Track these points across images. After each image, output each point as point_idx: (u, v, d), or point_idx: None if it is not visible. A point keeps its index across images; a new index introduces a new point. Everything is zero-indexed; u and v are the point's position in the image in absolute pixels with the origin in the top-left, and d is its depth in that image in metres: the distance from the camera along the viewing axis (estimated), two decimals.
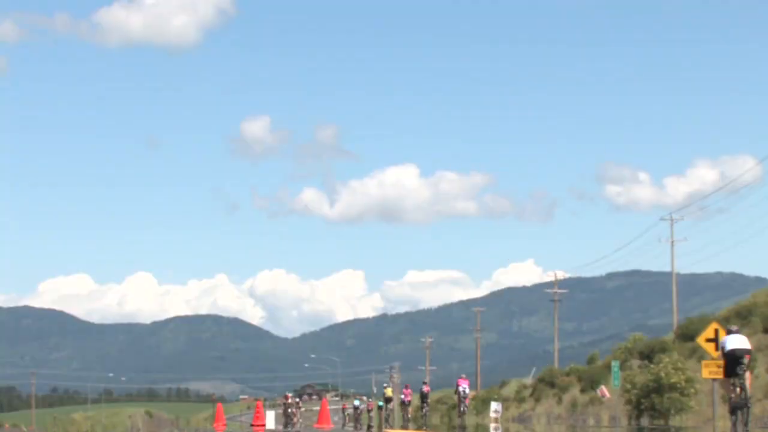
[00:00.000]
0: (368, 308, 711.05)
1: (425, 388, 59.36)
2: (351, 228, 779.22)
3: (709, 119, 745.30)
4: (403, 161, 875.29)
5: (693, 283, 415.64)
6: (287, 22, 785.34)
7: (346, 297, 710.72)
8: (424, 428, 33.27)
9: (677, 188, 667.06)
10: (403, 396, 65.51)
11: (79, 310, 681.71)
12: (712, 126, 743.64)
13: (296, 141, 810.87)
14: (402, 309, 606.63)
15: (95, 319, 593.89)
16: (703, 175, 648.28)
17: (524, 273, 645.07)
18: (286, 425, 51.81)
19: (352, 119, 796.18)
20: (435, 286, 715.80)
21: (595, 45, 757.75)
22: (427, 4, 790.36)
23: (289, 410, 55.64)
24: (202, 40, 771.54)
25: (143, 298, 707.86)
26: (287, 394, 59.20)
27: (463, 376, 43.45)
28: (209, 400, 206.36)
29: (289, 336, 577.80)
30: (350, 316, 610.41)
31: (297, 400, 59.99)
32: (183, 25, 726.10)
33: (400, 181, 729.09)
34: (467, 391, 43.21)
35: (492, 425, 48.84)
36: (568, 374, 76.21)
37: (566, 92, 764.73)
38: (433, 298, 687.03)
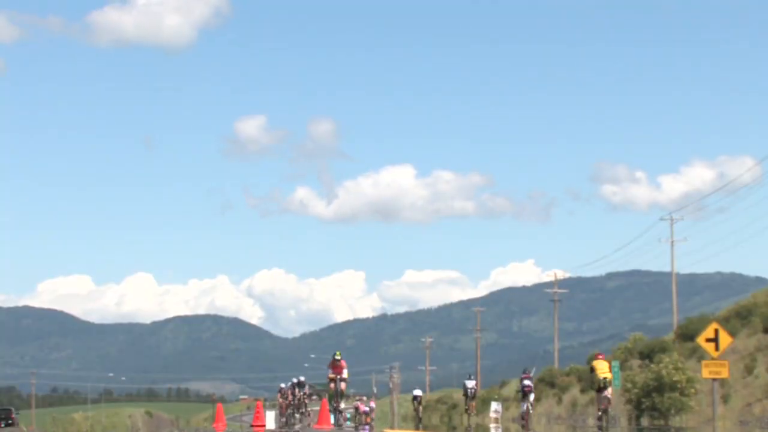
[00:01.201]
0: (366, 308, 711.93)
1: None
2: (348, 228, 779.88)
3: (706, 119, 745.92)
4: (400, 161, 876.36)
5: (693, 283, 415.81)
6: (283, 21, 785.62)
7: (344, 297, 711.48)
8: None
9: (675, 188, 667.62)
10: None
11: (78, 310, 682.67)
12: (709, 126, 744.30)
13: (293, 141, 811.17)
14: (400, 309, 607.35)
15: (95, 319, 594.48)
16: (701, 175, 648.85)
17: (523, 273, 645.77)
18: (287, 424, 42.51)
19: (349, 119, 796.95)
20: (433, 286, 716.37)
21: (593, 45, 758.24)
22: (425, 4, 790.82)
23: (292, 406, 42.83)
24: (198, 40, 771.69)
25: (143, 298, 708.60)
26: (301, 379, 43.75)
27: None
28: (209, 400, 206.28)
29: (289, 336, 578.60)
30: (348, 316, 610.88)
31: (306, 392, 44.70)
32: (178, 24, 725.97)
33: (398, 180, 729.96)
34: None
35: (492, 425, 48.80)
36: (568, 374, 76.22)
37: (562, 92, 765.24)
38: (431, 298, 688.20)
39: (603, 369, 33.04)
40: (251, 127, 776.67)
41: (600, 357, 33.98)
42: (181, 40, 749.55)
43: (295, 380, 44.51)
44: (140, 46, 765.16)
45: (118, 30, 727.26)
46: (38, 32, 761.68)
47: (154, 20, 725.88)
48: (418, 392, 55.50)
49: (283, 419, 45.01)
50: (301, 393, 43.43)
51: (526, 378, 35.03)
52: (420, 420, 53.95)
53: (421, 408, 55.61)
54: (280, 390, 47.01)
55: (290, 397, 43.93)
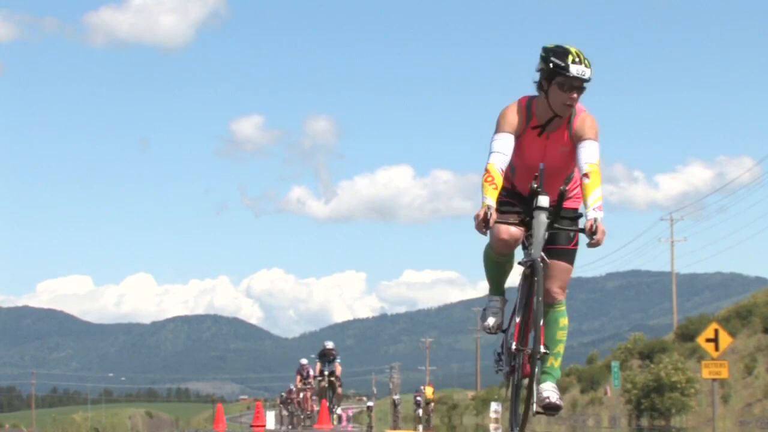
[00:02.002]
0: (365, 308, 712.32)
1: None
2: (347, 228, 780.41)
3: (706, 119, 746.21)
4: (398, 161, 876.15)
5: (693, 283, 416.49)
6: (280, 21, 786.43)
7: (343, 297, 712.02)
8: None
9: (675, 188, 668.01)
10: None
11: (78, 310, 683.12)
12: (709, 126, 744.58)
13: (290, 140, 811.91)
14: (397, 309, 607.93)
15: (95, 319, 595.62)
16: (701, 175, 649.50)
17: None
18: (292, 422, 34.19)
19: (347, 119, 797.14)
20: (431, 286, 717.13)
21: (592, 45, 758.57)
22: (423, 4, 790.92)
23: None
24: (195, 40, 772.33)
25: (143, 298, 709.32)
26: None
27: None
28: (209, 400, 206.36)
29: (289, 336, 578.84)
30: (347, 317, 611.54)
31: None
32: (175, 25, 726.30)
33: (396, 180, 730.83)
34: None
35: (492, 425, 48.84)
36: (568, 374, 76.21)
37: None
38: (429, 298, 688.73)
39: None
40: (248, 126, 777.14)
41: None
42: (177, 40, 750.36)
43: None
44: (137, 47, 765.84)
45: (114, 30, 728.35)
46: (35, 33, 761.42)
47: (150, 21, 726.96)
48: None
49: (286, 414, 36.13)
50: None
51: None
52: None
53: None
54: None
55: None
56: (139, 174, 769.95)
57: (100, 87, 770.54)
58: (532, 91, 6.51)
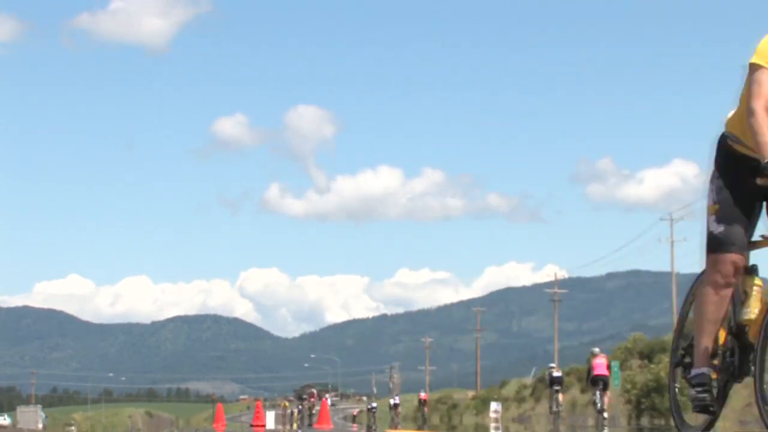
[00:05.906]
0: (361, 308, 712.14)
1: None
2: (340, 227, 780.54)
3: (703, 120, 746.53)
4: (389, 160, 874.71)
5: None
6: (265, 20, 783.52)
7: (338, 297, 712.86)
8: None
9: (673, 187, 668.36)
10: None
11: (78, 310, 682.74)
12: (703, 126, 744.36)
13: (281, 139, 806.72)
14: (392, 309, 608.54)
15: (95, 319, 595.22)
16: (701, 175, 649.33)
17: (517, 273, 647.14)
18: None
19: (339, 117, 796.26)
20: (425, 286, 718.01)
21: (592, 45, 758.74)
22: (415, 3, 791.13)
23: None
24: (181, 39, 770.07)
25: (143, 298, 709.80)
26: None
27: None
28: (209, 400, 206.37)
29: (289, 336, 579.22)
30: (344, 317, 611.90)
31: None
32: (158, 25, 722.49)
33: (387, 180, 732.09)
34: None
35: (492, 425, 48.87)
36: (567, 374, 76.07)
37: (555, 91, 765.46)
38: (423, 298, 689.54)
39: None
40: (233, 125, 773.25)
41: None
42: (159, 41, 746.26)
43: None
44: (126, 48, 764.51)
45: (95, 32, 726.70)
46: (17, 35, 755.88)
47: (132, 22, 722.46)
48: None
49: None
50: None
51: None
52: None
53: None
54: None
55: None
56: (130, 175, 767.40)
57: (104, 86, 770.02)
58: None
